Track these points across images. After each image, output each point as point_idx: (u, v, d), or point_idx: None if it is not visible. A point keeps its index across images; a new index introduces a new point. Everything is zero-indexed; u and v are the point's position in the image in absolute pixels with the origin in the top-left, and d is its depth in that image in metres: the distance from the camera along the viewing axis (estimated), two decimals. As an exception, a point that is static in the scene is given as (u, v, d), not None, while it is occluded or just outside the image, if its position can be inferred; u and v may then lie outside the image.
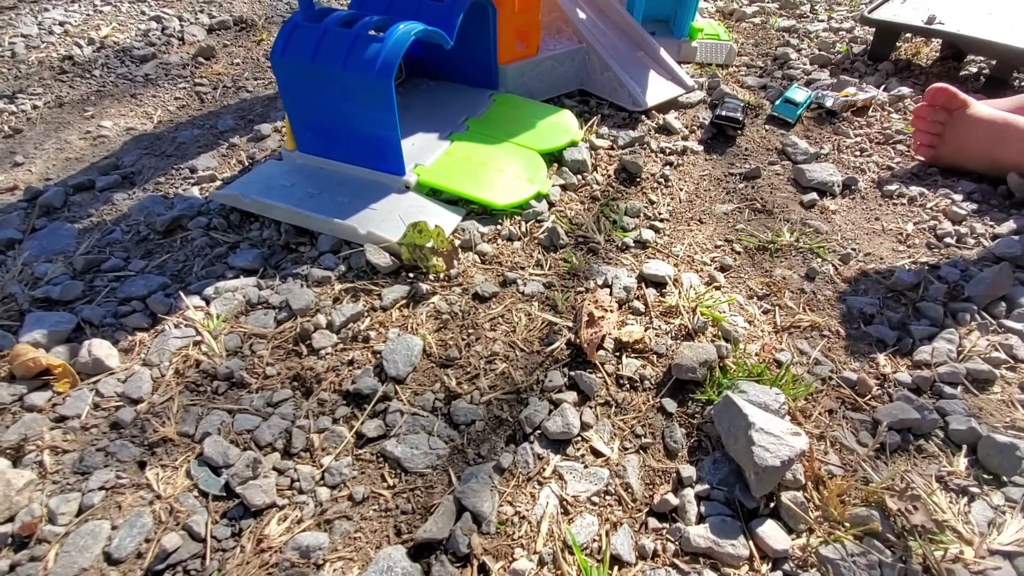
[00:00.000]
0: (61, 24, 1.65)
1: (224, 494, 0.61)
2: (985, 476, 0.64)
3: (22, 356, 0.71)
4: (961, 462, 0.65)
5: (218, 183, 1.08)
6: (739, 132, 1.20)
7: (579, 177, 1.07)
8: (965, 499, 0.62)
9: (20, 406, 0.69)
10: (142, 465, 0.64)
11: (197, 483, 0.62)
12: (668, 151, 1.15)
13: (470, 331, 0.78)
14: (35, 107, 1.31)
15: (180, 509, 0.60)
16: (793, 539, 0.58)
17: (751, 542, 0.58)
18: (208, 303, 0.82)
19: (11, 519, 0.58)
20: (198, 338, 0.77)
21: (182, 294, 0.82)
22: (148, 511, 0.60)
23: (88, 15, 1.71)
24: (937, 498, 0.61)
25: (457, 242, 0.91)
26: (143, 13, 1.73)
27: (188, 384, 0.72)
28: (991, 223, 0.97)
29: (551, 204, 1.00)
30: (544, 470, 0.64)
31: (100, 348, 0.74)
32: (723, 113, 1.17)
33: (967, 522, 0.59)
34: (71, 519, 0.59)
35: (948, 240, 0.95)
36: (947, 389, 0.72)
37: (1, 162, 1.14)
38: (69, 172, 1.12)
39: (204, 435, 0.66)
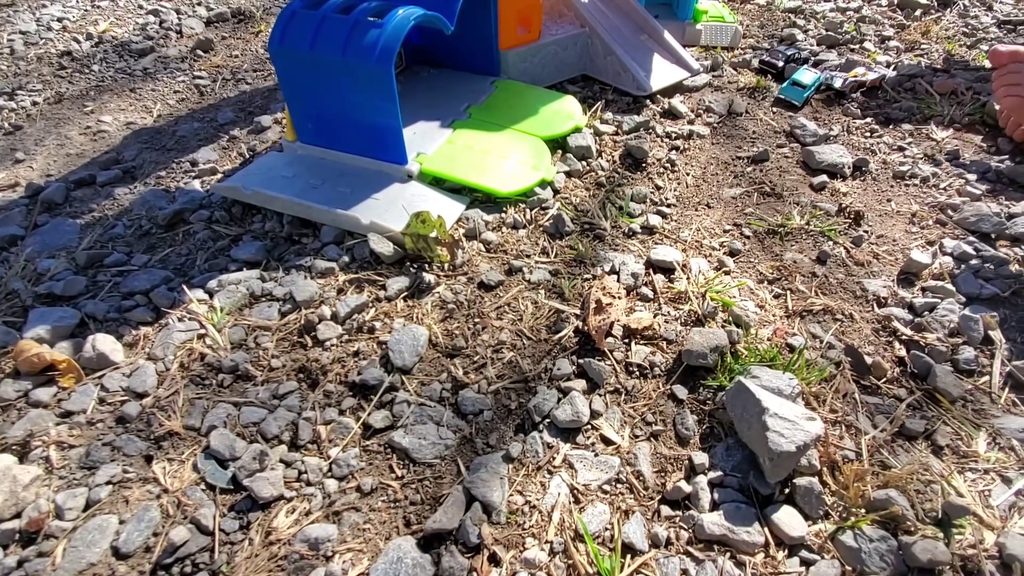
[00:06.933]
0: (59, 20, 1.64)
1: (231, 487, 0.61)
2: (1003, 458, 0.63)
3: (26, 352, 0.71)
4: (981, 446, 0.63)
5: (219, 176, 1.07)
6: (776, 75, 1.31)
7: (584, 163, 1.05)
8: (985, 483, 0.60)
9: (25, 402, 0.69)
10: (149, 459, 0.64)
11: (204, 476, 0.61)
12: (674, 135, 1.13)
13: (476, 320, 0.77)
14: (35, 103, 1.30)
15: (188, 502, 0.59)
16: (810, 525, 0.57)
17: (766, 529, 0.56)
18: (211, 296, 0.81)
19: (18, 515, 0.58)
20: (202, 331, 0.76)
21: (185, 288, 0.81)
22: (155, 505, 0.59)
23: (86, 10, 1.70)
24: (957, 482, 0.60)
25: (461, 231, 0.90)
26: (140, 7, 1.72)
27: (193, 377, 0.71)
28: (1007, 203, 0.95)
29: (556, 191, 0.99)
30: (554, 459, 0.63)
31: (104, 343, 0.73)
32: (766, 58, 1.32)
33: (988, 506, 0.58)
34: (78, 514, 0.59)
35: (962, 220, 0.93)
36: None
37: (2, 159, 1.14)
38: (70, 168, 1.11)
39: (210, 428, 0.65)
